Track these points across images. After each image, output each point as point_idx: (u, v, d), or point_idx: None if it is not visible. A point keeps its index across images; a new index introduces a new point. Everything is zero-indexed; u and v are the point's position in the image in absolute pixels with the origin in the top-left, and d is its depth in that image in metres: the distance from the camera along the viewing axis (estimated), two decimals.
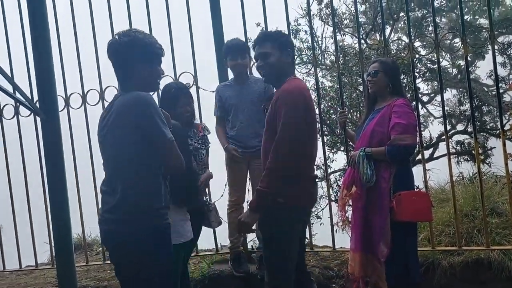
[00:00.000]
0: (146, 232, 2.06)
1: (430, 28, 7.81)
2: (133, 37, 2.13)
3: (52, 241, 4.00)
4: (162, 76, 2.25)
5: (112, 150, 2.13)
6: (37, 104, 3.85)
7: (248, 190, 3.58)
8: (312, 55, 4.23)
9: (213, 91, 3.71)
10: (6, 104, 4.14)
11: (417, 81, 8.07)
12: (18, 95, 3.61)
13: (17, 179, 4.27)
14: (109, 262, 4.24)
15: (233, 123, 3.48)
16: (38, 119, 3.94)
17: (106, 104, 3.82)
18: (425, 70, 8.13)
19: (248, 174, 3.54)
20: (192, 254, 3.86)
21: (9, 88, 3.68)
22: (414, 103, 3.73)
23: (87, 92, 4.02)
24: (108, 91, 3.93)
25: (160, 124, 2.06)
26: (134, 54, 2.11)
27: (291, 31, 4.19)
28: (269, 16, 3.86)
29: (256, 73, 3.82)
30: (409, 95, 5.55)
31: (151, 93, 2.26)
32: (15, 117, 4.17)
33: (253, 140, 3.40)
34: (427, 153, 8.57)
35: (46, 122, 3.75)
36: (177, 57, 3.95)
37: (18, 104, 3.99)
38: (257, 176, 3.48)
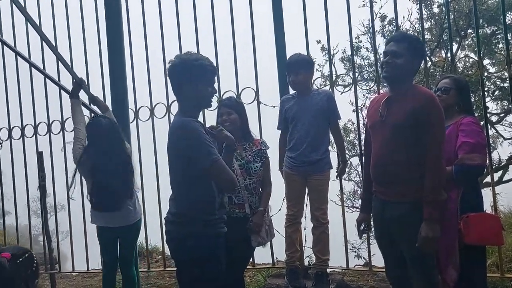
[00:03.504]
0: (192, 236, 2.23)
1: (500, 45, 7.44)
2: (182, 60, 2.29)
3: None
4: (214, 94, 2.35)
5: (169, 167, 2.35)
6: None
7: (306, 205, 3.57)
8: (374, 72, 4.18)
9: (274, 106, 3.76)
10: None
11: (486, 100, 7.68)
12: (94, 106, 3.88)
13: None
14: (168, 269, 4.38)
15: (292, 135, 3.47)
16: None
17: (172, 117, 3.99)
18: (494, 89, 7.72)
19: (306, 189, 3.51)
20: (248, 267, 3.89)
21: (85, 100, 3.96)
22: (483, 122, 3.57)
23: (155, 105, 4.23)
24: (174, 105, 4.10)
25: (197, 152, 2.17)
26: (181, 76, 2.27)
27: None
28: (331, 33, 3.88)
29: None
30: (477, 114, 5.30)
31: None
32: None
33: (311, 154, 3.39)
34: (495, 176, 8.09)
35: None
36: (240, 73, 4.04)
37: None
38: (314, 191, 3.48)
